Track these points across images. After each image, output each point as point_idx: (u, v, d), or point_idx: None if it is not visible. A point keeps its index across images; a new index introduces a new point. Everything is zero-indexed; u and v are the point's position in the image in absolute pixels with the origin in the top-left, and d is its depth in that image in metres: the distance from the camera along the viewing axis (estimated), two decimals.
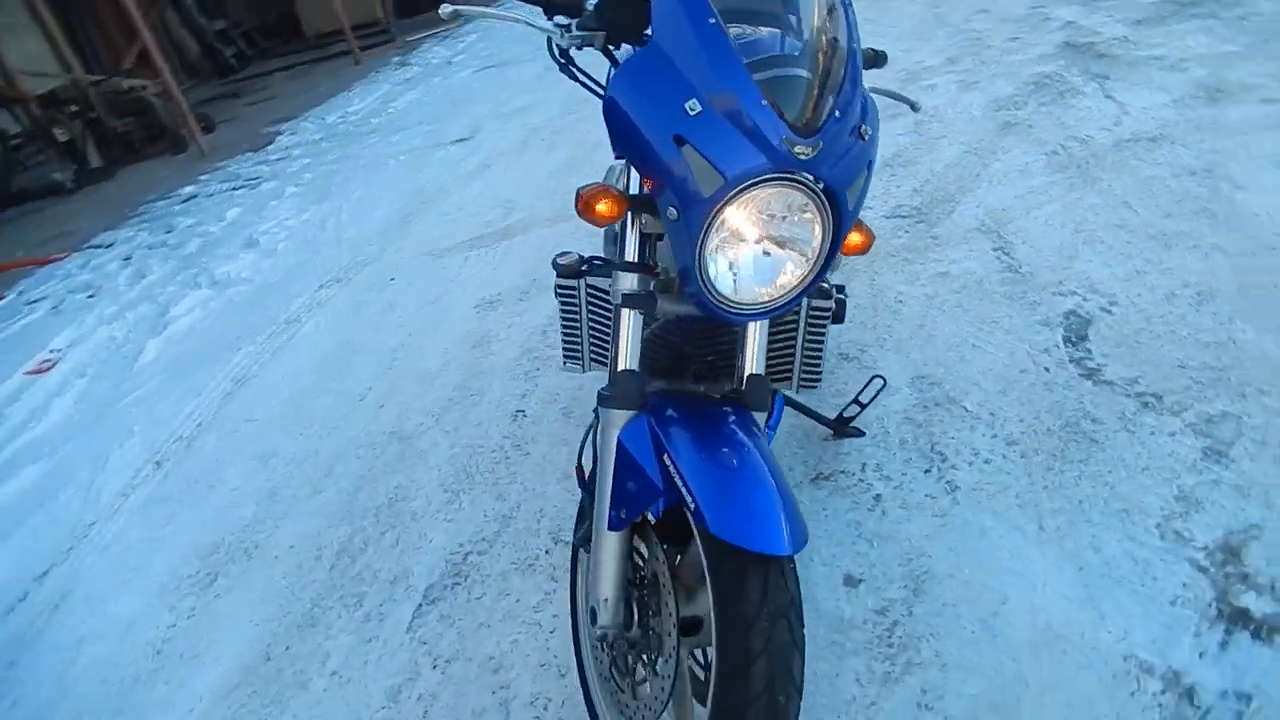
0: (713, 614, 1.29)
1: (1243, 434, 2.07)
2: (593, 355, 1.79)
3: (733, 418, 1.43)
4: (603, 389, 1.48)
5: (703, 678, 1.49)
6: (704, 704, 1.34)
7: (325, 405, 3.18)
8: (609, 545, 1.46)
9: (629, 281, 1.46)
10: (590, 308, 1.72)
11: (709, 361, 1.70)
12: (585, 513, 1.62)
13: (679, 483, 1.32)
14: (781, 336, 1.75)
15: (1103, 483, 2.03)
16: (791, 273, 1.35)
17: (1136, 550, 1.85)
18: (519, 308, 3.55)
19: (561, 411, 2.80)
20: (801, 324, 1.72)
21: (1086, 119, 3.93)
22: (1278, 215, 2.88)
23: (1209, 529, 1.86)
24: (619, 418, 1.45)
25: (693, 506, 1.28)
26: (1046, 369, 2.44)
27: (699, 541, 1.33)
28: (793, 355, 1.76)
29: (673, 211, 1.29)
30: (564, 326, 1.76)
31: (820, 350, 1.75)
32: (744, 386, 1.51)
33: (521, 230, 4.32)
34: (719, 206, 1.26)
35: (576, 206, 1.38)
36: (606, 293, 1.69)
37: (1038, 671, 1.66)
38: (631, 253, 1.46)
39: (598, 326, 1.75)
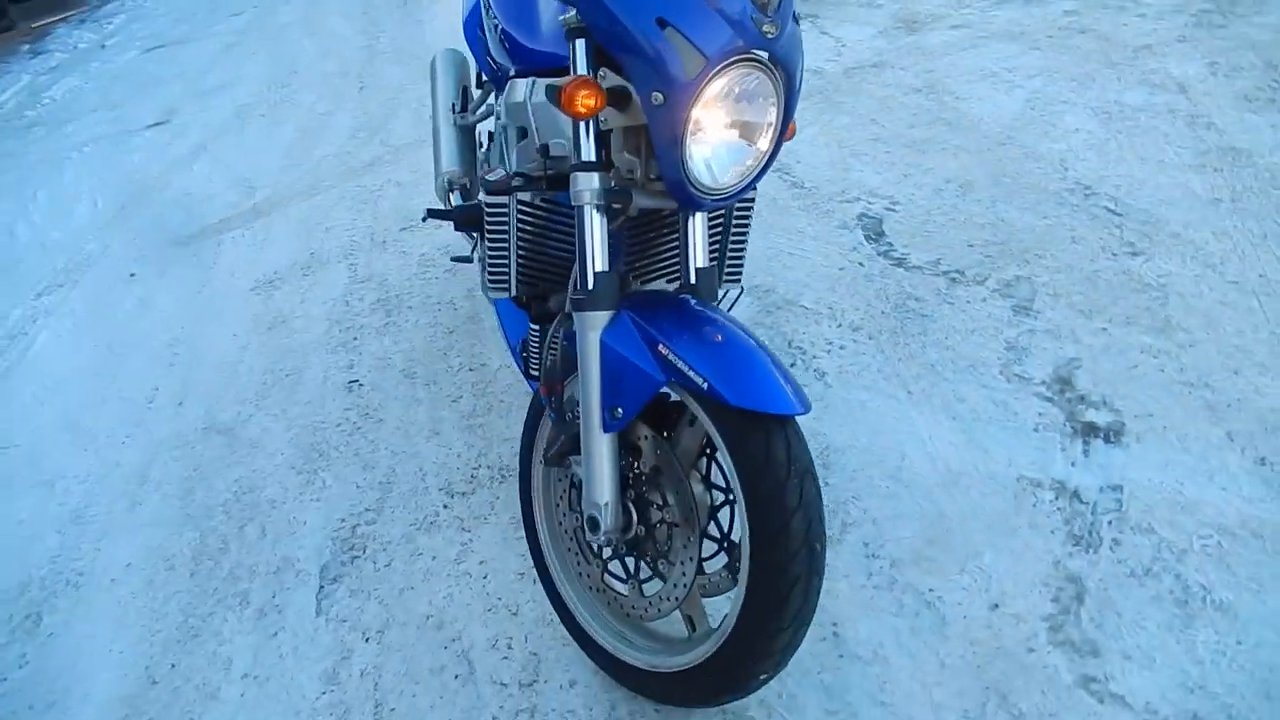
0: (739, 485, 1.33)
1: (1037, 291, 2.44)
2: (520, 277, 1.73)
3: (699, 305, 1.47)
4: (574, 295, 1.46)
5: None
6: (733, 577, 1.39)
7: (108, 414, 2.77)
8: (602, 449, 1.45)
9: (594, 180, 1.44)
10: (522, 226, 1.67)
11: (644, 265, 1.72)
12: (554, 429, 1.58)
13: (682, 368, 1.34)
14: (712, 233, 1.80)
15: (944, 347, 2.31)
16: (755, 155, 1.41)
17: (993, 395, 2.13)
18: (306, 283, 3.30)
19: (402, 374, 2.66)
20: (729, 218, 1.78)
21: (812, 54, 4.33)
22: (997, 118, 3.38)
23: (1040, 367, 2.18)
24: (598, 319, 1.43)
25: (704, 385, 1.31)
26: (860, 264, 2.71)
27: (710, 420, 1.36)
28: (717, 254, 1.82)
29: (658, 96, 1.29)
30: (490, 250, 1.69)
31: (745, 244, 1.82)
32: (694, 280, 1.55)
33: (275, 208, 3.99)
34: (701, 87, 1.29)
35: (558, 102, 1.34)
36: (537, 209, 1.65)
37: (954, 506, 1.87)
38: (590, 152, 1.44)
39: (527, 246, 1.70)
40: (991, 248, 2.64)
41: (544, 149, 1.59)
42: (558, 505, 1.66)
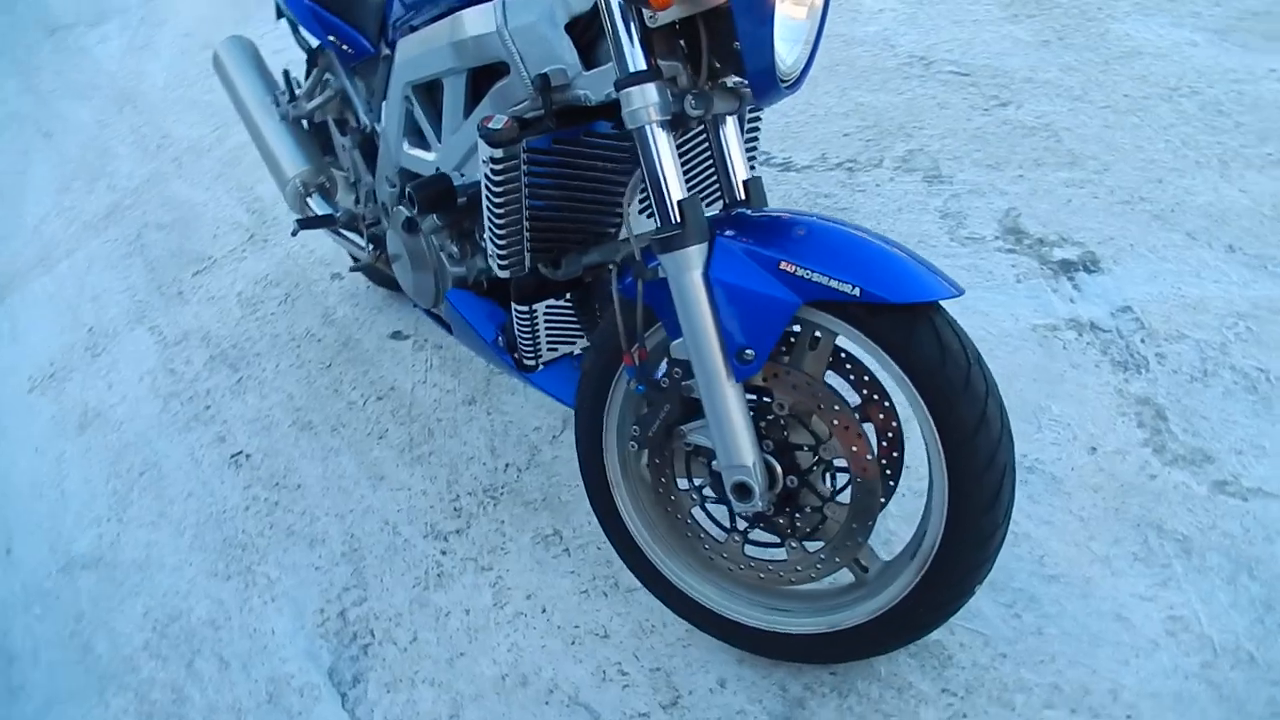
0: (914, 388, 1.18)
1: (936, 159, 2.44)
2: (534, 244, 1.42)
3: (787, 213, 1.28)
4: (656, 235, 1.21)
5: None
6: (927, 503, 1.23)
7: None
8: (734, 402, 1.23)
9: (651, 93, 1.18)
10: (536, 178, 1.36)
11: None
12: (648, 401, 1.32)
13: (820, 280, 1.16)
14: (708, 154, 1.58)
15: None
16: (809, 30, 1.24)
17: (958, 262, 2.10)
18: (101, 364, 2.68)
19: (296, 428, 2.22)
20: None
21: None
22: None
23: (985, 224, 2.18)
24: (694, 256, 1.20)
25: (856, 292, 1.14)
26: None
27: (857, 330, 1.19)
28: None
29: None
30: (498, 221, 1.36)
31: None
32: (743, 194, 1.35)
33: (6, 292, 3.22)
34: None
35: None
36: (551, 154, 1.35)
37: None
38: (638, 59, 1.18)
39: (548, 202, 1.40)
40: (868, 131, 2.62)
41: (540, 81, 1.30)
42: (660, 489, 1.41)
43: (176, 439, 2.30)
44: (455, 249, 1.68)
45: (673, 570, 1.44)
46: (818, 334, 1.26)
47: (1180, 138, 2.25)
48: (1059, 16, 2.87)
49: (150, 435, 2.34)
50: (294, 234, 2.15)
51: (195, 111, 4.02)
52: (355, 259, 2.19)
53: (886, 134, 2.59)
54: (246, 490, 2.09)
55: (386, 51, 1.75)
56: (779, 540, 1.34)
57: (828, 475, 1.30)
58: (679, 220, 1.20)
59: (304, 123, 2.15)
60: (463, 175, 1.56)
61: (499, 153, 1.30)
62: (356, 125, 1.97)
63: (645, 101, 1.18)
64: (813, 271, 1.16)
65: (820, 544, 1.31)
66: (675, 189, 1.21)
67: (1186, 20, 2.66)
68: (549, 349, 1.66)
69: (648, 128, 1.19)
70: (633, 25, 1.18)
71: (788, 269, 1.18)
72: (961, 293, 1.16)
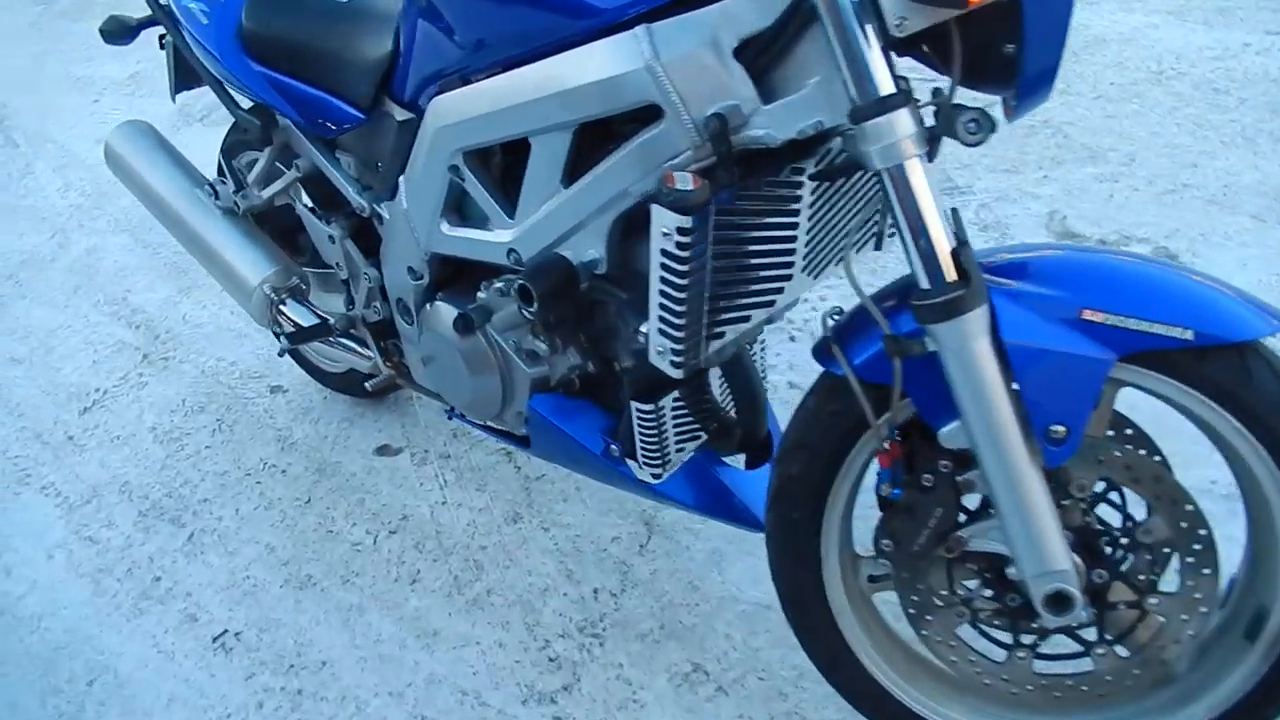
0: (1254, 436, 0.97)
1: (941, 169, 2.30)
2: (711, 327, 1.10)
3: (1054, 247, 1.07)
4: (926, 299, 0.94)
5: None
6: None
7: None
8: (1041, 493, 0.98)
9: (906, 121, 0.91)
10: (720, 244, 1.05)
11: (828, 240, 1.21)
12: (915, 505, 1.04)
13: (1139, 327, 0.94)
14: None
15: None
16: None
17: None
18: None
19: (290, 588, 1.78)
20: None
21: None
22: None
23: (1024, 232, 2.04)
24: (980, 321, 0.94)
25: (1189, 335, 0.93)
26: None
27: (1177, 380, 0.97)
28: None
29: None
30: (679, 304, 1.03)
31: None
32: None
33: None
34: None
35: None
36: (738, 215, 1.05)
37: None
38: (888, 78, 0.91)
39: (728, 272, 1.08)
40: None
41: (714, 124, 1.00)
42: (913, 609, 1.12)
43: (127, 628, 1.80)
44: (542, 345, 1.34)
45: (950, 703, 1.16)
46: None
47: (1190, 120, 2.20)
48: None
49: (87, 629, 1.82)
50: (281, 354, 1.73)
51: (20, 219, 3.36)
52: (321, 377, 1.78)
53: None
54: (250, 681, 1.64)
55: (403, 115, 1.39)
56: (1083, 649, 1.09)
57: (1145, 560, 1.06)
58: (956, 278, 0.93)
59: (272, 208, 1.73)
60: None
61: (688, 221, 0.98)
62: (344, 210, 1.58)
63: (901, 133, 0.91)
64: (1127, 317, 0.94)
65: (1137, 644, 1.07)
66: (942, 236, 0.94)
67: (1135, 5, 2.65)
68: (676, 449, 1.35)
69: (906, 165, 0.93)
70: (873, 37, 0.91)
71: (1093, 318, 0.95)
72: None
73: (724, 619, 1.53)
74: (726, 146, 1.01)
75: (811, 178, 1.09)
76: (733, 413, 1.36)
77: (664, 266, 1.02)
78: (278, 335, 1.69)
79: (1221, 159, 2.06)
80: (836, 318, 1.11)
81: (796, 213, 1.12)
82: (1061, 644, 1.10)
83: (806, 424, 1.11)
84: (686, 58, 0.99)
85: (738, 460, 1.43)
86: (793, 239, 1.14)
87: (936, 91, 0.96)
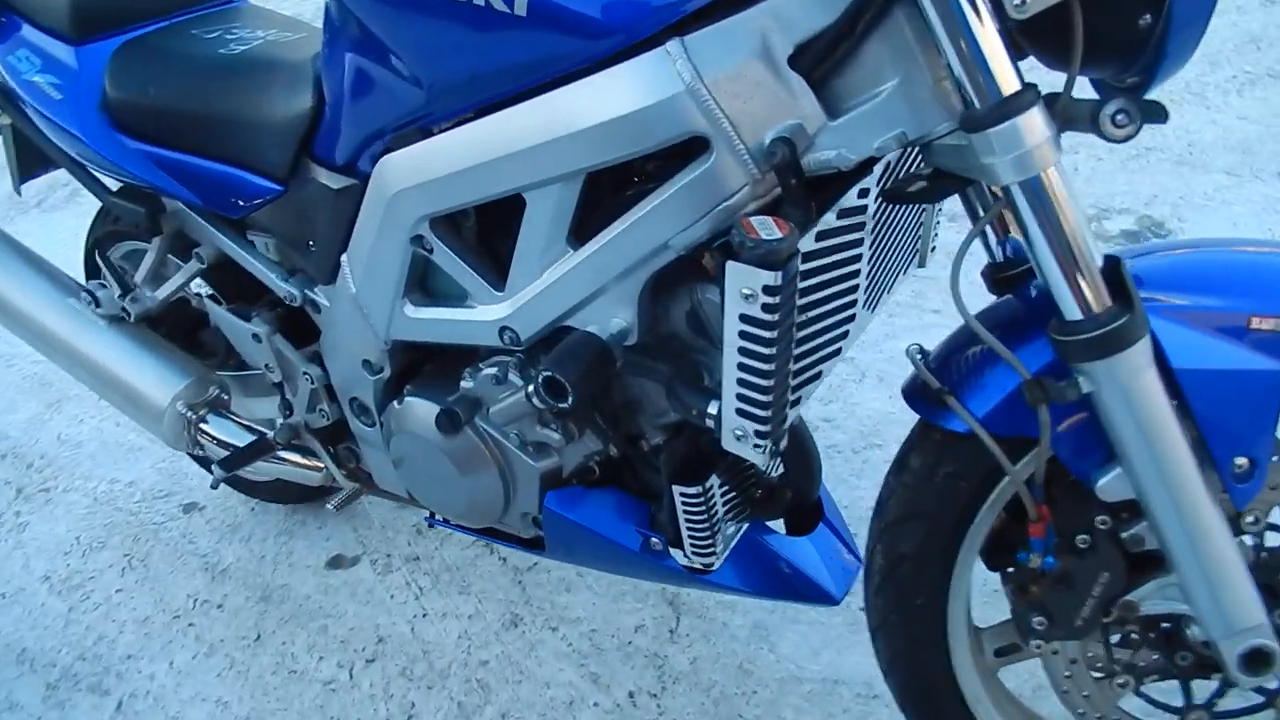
0: None
1: None
2: (794, 392, 0.90)
3: (1169, 246, 0.91)
4: (1077, 337, 0.77)
5: None
6: None
7: None
8: (1228, 539, 0.82)
9: (1038, 120, 0.73)
10: (805, 296, 0.84)
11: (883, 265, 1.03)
12: (1069, 573, 0.87)
13: None
14: None
15: None
16: None
17: None
18: None
19: None
20: None
21: None
22: None
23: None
24: (1144, 351, 0.77)
25: None
26: None
27: None
28: None
29: None
30: (768, 376, 0.82)
31: None
32: None
33: None
34: None
35: None
36: (822, 258, 0.85)
37: None
38: (1010, 77, 0.73)
39: (811, 329, 0.88)
40: None
41: (782, 150, 0.80)
42: (1067, 686, 0.95)
43: None
44: (555, 435, 1.11)
45: None
46: None
47: None
48: None
49: None
50: (215, 487, 1.43)
51: None
52: (246, 487, 1.50)
53: None
54: None
55: (338, 182, 1.14)
56: (1264, 700, 0.94)
57: None
58: (1110, 304, 0.77)
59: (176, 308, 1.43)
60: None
61: (776, 278, 0.78)
62: (266, 301, 1.32)
63: (1037, 138, 0.74)
64: None
65: None
66: (1093, 258, 0.78)
67: None
68: (726, 530, 1.14)
69: (1044, 175, 0.75)
70: (989, 21, 0.73)
71: (1263, 326, 0.80)
72: None
73: (790, 704, 1.33)
74: (798, 176, 0.82)
75: (881, 197, 0.91)
76: (773, 473, 1.17)
77: (746, 335, 0.82)
78: (201, 462, 1.40)
79: (1176, 117, 2.00)
80: (926, 354, 0.94)
81: (860, 241, 0.93)
82: (1241, 694, 0.95)
83: (916, 491, 0.93)
84: (735, 74, 0.80)
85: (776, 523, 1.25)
86: (856, 273, 0.95)
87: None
